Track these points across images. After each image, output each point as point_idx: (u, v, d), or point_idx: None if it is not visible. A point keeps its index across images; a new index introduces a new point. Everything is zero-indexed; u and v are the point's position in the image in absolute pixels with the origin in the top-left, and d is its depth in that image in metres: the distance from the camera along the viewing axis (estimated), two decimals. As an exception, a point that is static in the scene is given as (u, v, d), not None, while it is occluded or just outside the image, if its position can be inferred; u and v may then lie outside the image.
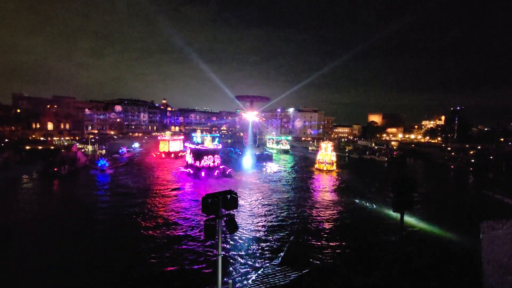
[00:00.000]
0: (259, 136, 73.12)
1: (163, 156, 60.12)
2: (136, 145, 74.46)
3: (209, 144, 43.33)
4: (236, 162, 55.70)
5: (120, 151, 62.71)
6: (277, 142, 78.47)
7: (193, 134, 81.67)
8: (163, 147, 62.22)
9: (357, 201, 30.21)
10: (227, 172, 41.95)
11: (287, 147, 77.74)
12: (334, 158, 50.25)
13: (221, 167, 42.50)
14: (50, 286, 14.14)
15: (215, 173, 40.44)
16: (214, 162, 41.53)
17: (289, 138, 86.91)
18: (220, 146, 44.63)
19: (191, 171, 41.11)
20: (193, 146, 43.67)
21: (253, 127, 69.86)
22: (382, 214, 25.90)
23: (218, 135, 70.90)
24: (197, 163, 40.71)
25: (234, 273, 15.03)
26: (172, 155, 59.98)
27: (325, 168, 48.46)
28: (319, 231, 21.64)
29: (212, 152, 41.96)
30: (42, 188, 34.01)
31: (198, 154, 41.24)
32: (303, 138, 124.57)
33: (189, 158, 43.84)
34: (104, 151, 62.74)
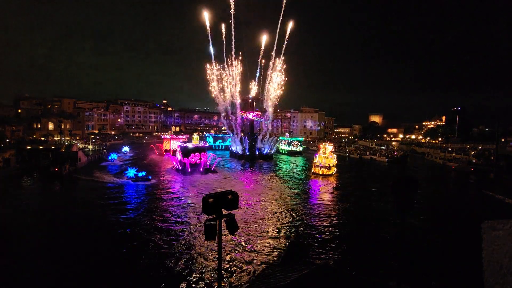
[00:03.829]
0: (259, 135, 72.58)
1: (163, 153, 62.97)
2: (126, 149, 65.95)
3: (196, 142, 47.37)
4: (230, 160, 58.81)
5: (109, 158, 53.50)
6: (289, 144, 76.66)
7: (206, 134, 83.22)
8: (165, 145, 66.07)
9: (356, 202, 30.18)
10: (212, 168, 45.46)
11: (299, 148, 75.55)
12: (334, 161, 45.66)
13: (208, 163, 45.32)
14: (50, 286, 14.15)
15: (201, 169, 43.38)
16: (200, 159, 44.21)
17: (301, 139, 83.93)
18: (207, 145, 47.94)
19: (180, 167, 43.92)
20: (182, 144, 47.10)
21: (253, 127, 69.87)
22: (383, 215, 25.87)
23: (231, 135, 71.78)
24: (185, 160, 43.43)
25: (234, 273, 15.04)
26: (171, 153, 62.07)
27: (320, 172, 44.35)
28: (319, 231, 21.62)
29: (199, 150, 44.86)
30: (43, 188, 34.07)
31: (186, 152, 43.99)
32: (303, 139, 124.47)
33: (179, 155, 46.43)
34: (105, 151, 62.91)
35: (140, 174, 36.97)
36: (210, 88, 65.74)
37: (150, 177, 37.67)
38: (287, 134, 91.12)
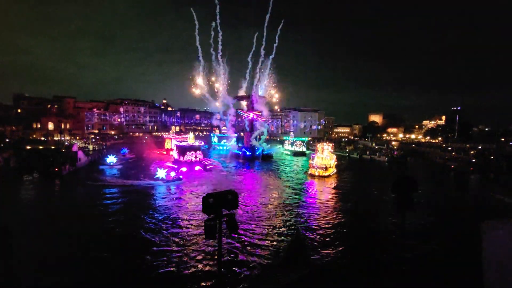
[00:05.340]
0: (259, 136, 72.54)
1: (164, 152, 63.46)
2: (125, 150, 60.47)
3: (192, 141, 48.09)
4: (229, 160, 60.12)
5: (108, 161, 49.82)
6: (292, 144, 75.79)
7: (212, 134, 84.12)
8: (167, 144, 67.01)
9: (356, 202, 30.16)
10: (208, 167, 45.52)
11: (302, 148, 74.10)
12: (333, 162, 45.01)
13: (205, 162, 45.86)
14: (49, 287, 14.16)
15: (196, 168, 43.80)
16: (196, 157, 44.92)
17: (306, 139, 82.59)
18: (202, 143, 49.89)
19: (175, 166, 43.88)
20: (178, 143, 48.23)
21: (253, 127, 70.00)
22: (383, 214, 25.88)
23: (236, 135, 72.24)
24: (181, 158, 44.08)
25: (234, 273, 15.04)
26: (171, 152, 62.42)
27: (316, 173, 43.14)
28: (319, 231, 21.63)
29: (195, 149, 45.54)
30: (43, 188, 34.05)
31: (182, 150, 44.57)
32: (307, 139, 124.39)
33: (175, 154, 47.00)
34: (105, 150, 62.90)
35: (172, 175, 35.95)
36: (194, 89, 66.95)
37: (181, 176, 37.13)
38: (291, 133, 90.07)
